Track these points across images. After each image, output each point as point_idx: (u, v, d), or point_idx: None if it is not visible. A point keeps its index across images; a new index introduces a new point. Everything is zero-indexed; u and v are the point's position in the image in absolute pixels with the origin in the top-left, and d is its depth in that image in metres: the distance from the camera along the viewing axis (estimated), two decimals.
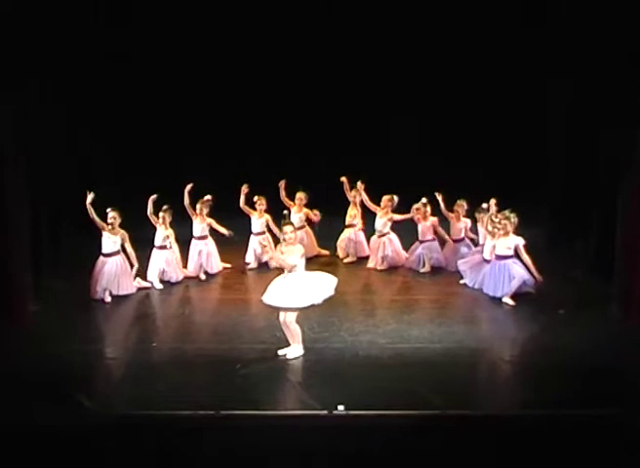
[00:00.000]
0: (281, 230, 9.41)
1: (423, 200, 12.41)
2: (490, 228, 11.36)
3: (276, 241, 12.81)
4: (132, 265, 11.36)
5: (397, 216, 12.60)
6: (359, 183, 12.58)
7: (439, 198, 12.31)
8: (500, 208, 11.51)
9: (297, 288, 9.03)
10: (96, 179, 12.58)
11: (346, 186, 12.87)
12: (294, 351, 9.17)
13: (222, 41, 13.95)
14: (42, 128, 11.65)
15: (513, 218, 11.12)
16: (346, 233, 13.01)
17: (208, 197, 12.17)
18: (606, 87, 11.44)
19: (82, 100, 13.00)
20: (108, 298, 11.06)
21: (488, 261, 11.49)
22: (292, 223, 9.53)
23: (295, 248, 9.17)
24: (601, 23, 11.29)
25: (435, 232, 12.55)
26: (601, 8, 11.21)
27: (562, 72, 13.04)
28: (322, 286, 9.16)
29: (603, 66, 11.44)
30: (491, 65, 13.89)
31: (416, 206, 12.38)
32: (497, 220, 11.23)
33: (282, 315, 9.14)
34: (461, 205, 12.39)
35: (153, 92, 13.91)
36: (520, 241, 11.11)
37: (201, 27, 13.86)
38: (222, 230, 12.15)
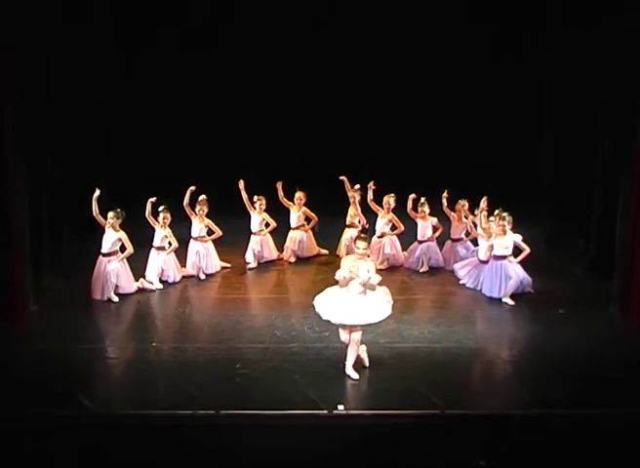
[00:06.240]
0: (355, 242, 8.86)
1: (422, 199, 12.45)
2: (484, 226, 11.39)
3: (277, 242, 12.95)
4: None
5: (395, 219, 12.64)
6: (371, 184, 12.54)
7: (445, 196, 12.31)
8: (496, 207, 11.49)
9: (365, 301, 8.64)
10: (96, 179, 12.57)
11: (347, 185, 12.85)
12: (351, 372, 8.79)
13: (224, 41, 13.97)
14: (43, 128, 11.66)
15: (508, 217, 11.16)
16: (348, 233, 12.99)
17: (203, 196, 12.17)
18: (605, 85, 11.48)
19: (82, 101, 12.99)
20: (115, 298, 11.05)
21: (483, 262, 11.51)
22: (366, 238, 8.94)
23: (367, 264, 8.70)
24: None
25: (434, 232, 12.56)
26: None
27: (560, 71, 13.07)
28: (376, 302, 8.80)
29: (602, 63, 11.49)
30: (489, 66, 13.91)
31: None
32: (494, 220, 11.26)
33: (347, 333, 8.72)
34: (463, 204, 12.40)
35: (153, 91, 13.91)
36: (518, 237, 11.16)
37: (202, 27, 13.88)
38: (217, 232, 12.25)
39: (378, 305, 8.69)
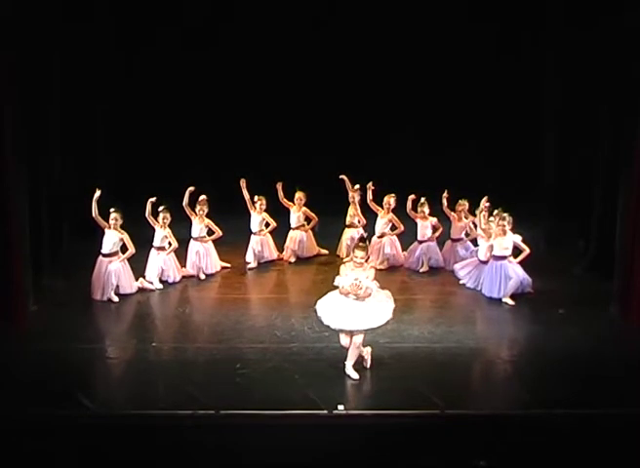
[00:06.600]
0: (353, 251, 8.91)
1: (422, 199, 12.46)
2: (484, 226, 11.39)
3: (277, 242, 12.95)
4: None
5: (395, 219, 12.64)
6: (369, 185, 12.54)
7: (445, 196, 12.32)
8: (496, 207, 11.49)
9: (365, 306, 8.65)
10: (96, 179, 12.57)
11: (348, 184, 12.85)
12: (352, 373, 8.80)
13: (224, 41, 13.95)
14: (43, 128, 11.65)
15: (508, 217, 11.17)
16: (348, 233, 12.99)
17: (203, 197, 12.17)
18: (605, 85, 11.48)
19: (82, 101, 12.99)
20: (115, 298, 11.06)
21: (483, 262, 11.51)
22: (365, 248, 8.96)
23: (366, 271, 8.69)
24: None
25: (434, 232, 12.56)
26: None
27: (560, 71, 13.08)
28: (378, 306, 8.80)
29: (602, 63, 11.49)
30: (489, 66, 13.90)
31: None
32: (494, 221, 11.26)
33: (347, 338, 8.69)
34: (463, 204, 12.41)
35: (153, 91, 13.88)
36: (517, 237, 11.17)
37: (202, 27, 13.87)
38: (217, 232, 12.25)
39: (378, 309, 8.69)
